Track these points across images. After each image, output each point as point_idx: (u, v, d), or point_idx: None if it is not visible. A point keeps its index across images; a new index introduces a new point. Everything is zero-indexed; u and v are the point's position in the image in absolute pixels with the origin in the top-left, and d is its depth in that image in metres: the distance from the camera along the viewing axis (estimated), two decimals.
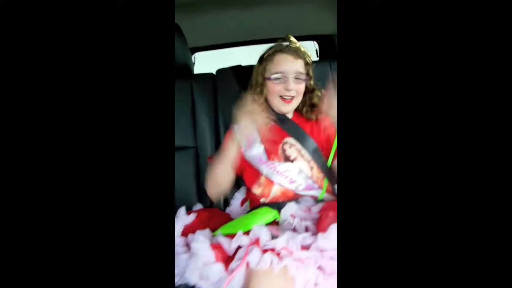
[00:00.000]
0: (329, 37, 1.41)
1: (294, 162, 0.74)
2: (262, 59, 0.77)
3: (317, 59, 1.39)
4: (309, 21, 1.32)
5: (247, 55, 0.86)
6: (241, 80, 0.95)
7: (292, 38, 0.78)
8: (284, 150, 0.75)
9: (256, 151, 0.76)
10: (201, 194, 0.91)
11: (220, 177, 0.74)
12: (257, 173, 0.76)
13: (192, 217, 0.73)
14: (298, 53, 0.74)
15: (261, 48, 0.81)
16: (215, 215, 0.76)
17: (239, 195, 0.86)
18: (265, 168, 0.74)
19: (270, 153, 0.75)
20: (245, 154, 0.76)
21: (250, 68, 0.83)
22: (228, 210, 0.85)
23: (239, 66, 1.00)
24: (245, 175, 0.79)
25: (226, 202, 0.90)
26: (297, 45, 0.76)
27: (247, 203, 0.83)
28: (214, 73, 1.00)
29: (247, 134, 0.75)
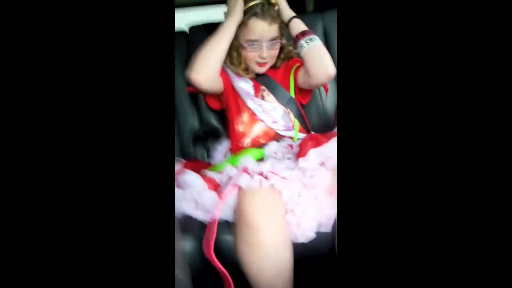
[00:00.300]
0: None
1: (268, 104, 0.77)
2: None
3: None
4: None
5: (218, 15, 0.85)
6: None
7: None
8: (263, 96, 0.79)
9: (245, 85, 0.78)
10: (183, 150, 0.94)
11: (214, 50, 0.71)
12: (241, 108, 0.78)
13: (178, 165, 0.76)
14: (272, 15, 0.72)
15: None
16: (199, 165, 0.80)
17: (220, 147, 0.89)
18: (252, 104, 0.77)
19: (256, 91, 0.78)
20: (234, 83, 0.78)
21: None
22: (209, 161, 0.89)
23: (212, 23, 1.00)
24: (230, 107, 0.80)
25: (208, 153, 0.94)
26: (275, 1, 0.73)
27: (229, 154, 0.87)
28: (187, 31, 1.00)
29: (233, 73, 0.77)
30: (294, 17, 0.75)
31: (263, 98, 0.78)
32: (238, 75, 0.78)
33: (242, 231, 0.54)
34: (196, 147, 0.95)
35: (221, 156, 0.88)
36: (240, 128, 0.79)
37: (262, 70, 0.78)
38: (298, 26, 0.74)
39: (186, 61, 0.94)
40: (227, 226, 0.59)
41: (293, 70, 0.81)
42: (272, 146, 0.71)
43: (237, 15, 0.71)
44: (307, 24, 1.01)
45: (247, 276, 0.55)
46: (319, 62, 0.72)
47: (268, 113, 0.77)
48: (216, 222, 0.57)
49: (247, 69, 0.78)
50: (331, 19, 0.98)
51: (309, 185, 0.58)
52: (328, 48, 0.97)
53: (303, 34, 0.73)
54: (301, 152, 0.62)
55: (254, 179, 0.56)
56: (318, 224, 0.57)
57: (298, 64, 0.80)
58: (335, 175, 0.58)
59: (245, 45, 0.74)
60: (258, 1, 0.71)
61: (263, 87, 0.79)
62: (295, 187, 0.57)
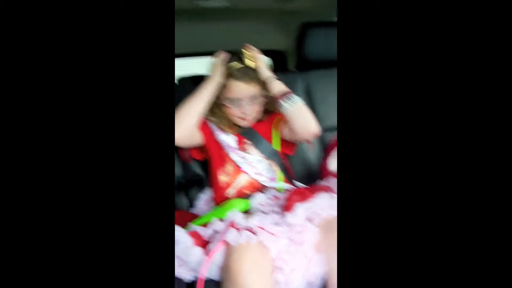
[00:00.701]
0: (281, 53, 1.57)
1: (251, 156, 0.80)
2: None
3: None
4: (264, 38, 1.46)
5: (207, 66, 0.91)
6: None
7: (246, 52, 0.78)
8: (245, 149, 0.81)
9: (227, 137, 0.80)
10: None
11: (191, 108, 0.74)
12: (224, 159, 0.79)
13: None
14: (250, 76, 0.75)
15: None
16: (180, 216, 0.79)
17: (203, 196, 0.88)
18: (235, 156, 0.79)
19: (239, 143, 0.80)
20: (216, 135, 0.80)
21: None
22: (193, 211, 0.87)
23: (200, 76, 1.06)
24: (212, 158, 0.81)
25: (190, 203, 0.92)
26: (251, 61, 0.77)
27: (212, 204, 0.86)
28: (176, 82, 1.05)
29: (215, 128, 0.80)
30: (273, 77, 0.78)
31: (245, 150, 0.81)
32: (221, 128, 0.81)
33: None
34: (178, 195, 0.93)
35: (205, 206, 0.87)
36: (223, 178, 0.80)
37: (246, 124, 0.81)
38: (277, 87, 0.77)
39: (174, 112, 0.98)
40: (213, 285, 0.57)
41: (274, 123, 0.85)
42: (259, 198, 0.72)
43: (216, 78, 0.76)
44: (289, 82, 1.09)
45: None
46: (302, 122, 0.74)
47: (251, 165, 0.79)
48: (203, 283, 0.54)
49: (231, 124, 0.81)
50: (313, 77, 1.08)
51: (296, 241, 0.58)
52: (311, 105, 1.05)
53: (282, 94, 0.75)
54: (287, 206, 0.63)
55: (242, 235, 0.55)
56: (306, 283, 0.56)
57: (278, 117, 0.84)
58: (323, 232, 0.59)
59: (226, 103, 0.78)
60: (235, 64, 0.76)
61: (246, 140, 0.82)
62: (283, 243, 0.56)
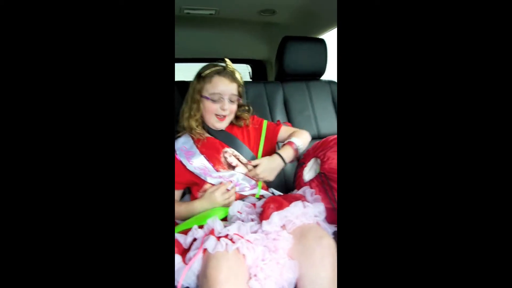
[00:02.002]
0: (260, 62, 1.62)
1: (236, 168, 0.83)
2: (200, 77, 0.84)
3: (250, 80, 1.57)
4: (245, 47, 1.50)
5: (189, 72, 0.93)
6: (185, 94, 1.02)
7: (229, 62, 0.86)
8: (225, 158, 0.84)
9: (199, 162, 0.82)
10: None
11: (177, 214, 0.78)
12: (202, 182, 0.82)
13: None
14: (233, 77, 0.84)
15: (200, 66, 0.88)
16: None
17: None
18: (211, 179, 0.81)
19: (214, 163, 0.82)
20: (188, 167, 0.82)
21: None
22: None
23: (183, 81, 1.07)
24: (191, 187, 0.85)
25: None
26: (233, 68, 0.85)
27: None
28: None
29: (186, 149, 0.83)
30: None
31: (223, 167, 0.83)
32: (190, 153, 0.83)
33: None
34: None
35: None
36: (201, 195, 0.82)
37: (221, 125, 0.84)
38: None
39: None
40: None
41: (264, 126, 0.90)
42: (236, 206, 0.74)
43: (207, 206, 0.77)
44: (270, 91, 1.13)
45: None
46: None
47: (228, 180, 0.81)
48: None
49: (200, 124, 0.85)
50: (290, 89, 1.13)
51: (271, 248, 0.61)
52: (288, 115, 1.10)
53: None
54: (264, 214, 0.66)
55: (221, 243, 0.58)
56: None
57: (267, 121, 0.91)
58: (296, 239, 0.62)
59: (208, 97, 0.82)
60: (220, 65, 0.84)
61: (224, 149, 0.84)
62: (259, 250, 0.59)
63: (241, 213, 0.73)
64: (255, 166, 0.81)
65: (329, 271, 0.58)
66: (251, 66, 1.63)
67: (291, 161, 0.85)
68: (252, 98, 1.07)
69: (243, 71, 1.62)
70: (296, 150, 0.84)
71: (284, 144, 0.84)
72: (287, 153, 0.82)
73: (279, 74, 1.16)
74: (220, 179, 0.81)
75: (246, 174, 0.82)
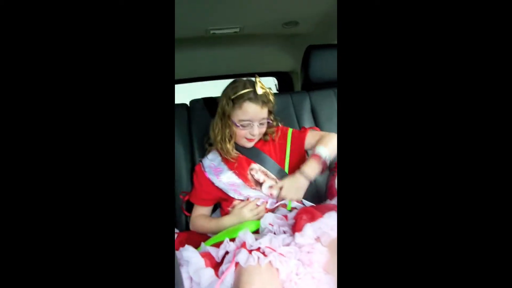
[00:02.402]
0: (286, 74, 1.62)
1: (263, 184, 0.83)
2: (229, 100, 0.81)
3: (276, 92, 1.58)
4: (270, 61, 1.52)
5: (217, 89, 0.96)
6: (212, 110, 1.05)
7: (260, 83, 0.81)
8: (252, 176, 0.84)
9: (228, 179, 0.83)
10: (176, 221, 0.94)
11: (200, 229, 0.83)
12: (231, 198, 0.83)
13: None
14: (265, 102, 0.80)
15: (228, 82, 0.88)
16: (192, 236, 0.81)
17: (216, 216, 0.90)
18: (239, 196, 0.82)
19: (242, 178, 0.83)
20: (216, 183, 0.83)
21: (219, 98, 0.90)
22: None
23: (210, 98, 1.11)
24: (221, 202, 0.86)
25: None
26: (265, 90, 0.80)
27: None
28: (188, 104, 1.09)
29: (214, 166, 0.84)
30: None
31: (252, 177, 0.83)
32: (218, 170, 0.84)
33: None
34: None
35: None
36: (229, 209, 0.83)
37: (250, 144, 0.85)
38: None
39: (187, 132, 1.02)
40: None
41: (289, 136, 0.87)
42: (268, 218, 0.73)
43: (236, 222, 0.78)
44: (296, 101, 1.13)
45: None
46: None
47: (256, 198, 0.81)
48: None
49: (234, 147, 0.84)
50: (317, 97, 1.11)
51: (306, 262, 0.59)
52: (316, 124, 1.08)
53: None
54: (296, 226, 0.64)
55: (253, 256, 0.57)
56: None
57: (292, 129, 0.89)
58: (332, 252, 0.59)
59: (237, 124, 0.81)
60: (251, 89, 0.80)
61: (251, 166, 0.84)
62: (292, 264, 0.57)
63: (272, 225, 0.71)
64: (280, 188, 0.79)
65: None
66: (277, 79, 1.64)
67: (320, 173, 0.81)
68: (279, 109, 1.07)
69: (270, 84, 1.64)
70: (324, 162, 0.80)
71: (310, 157, 0.81)
72: (312, 168, 0.79)
73: (305, 84, 1.15)
74: (246, 197, 0.81)
75: (270, 195, 0.81)
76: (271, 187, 0.81)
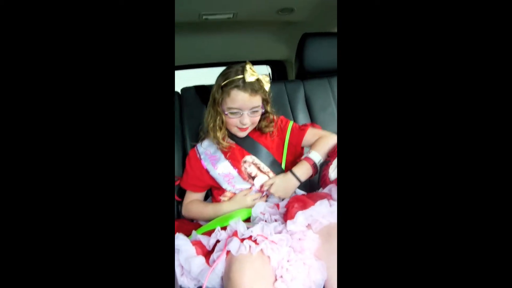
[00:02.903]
0: (281, 62, 1.60)
1: (255, 179, 0.82)
2: (219, 88, 0.79)
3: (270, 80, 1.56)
4: (264, 48, 1.49)
5: (211, 76, 0.93)
6: (204, 98, 1.03)
7: (250, 70, 0.77)
8: (245, 168, 0.82)
9: (224, 169, 0.81)
10: None
11: (196, 214, 0.81)
12: (222, 190, 0.82)
13: None
14: (255, 89, 0.76)
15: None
16: (183, 224, 0.80)
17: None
18: (231, 188, 0.81)
19: (237, 169, 0.81)
20: (211, 173, 0.82)
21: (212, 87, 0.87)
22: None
23: (202, 86, 1.08)
24: (213, 190, 0.85)
25: None
26: (255, 77, 0.77)
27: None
28: (179, 91, 1.07)
29: (210, 154, 0.82)
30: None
31: (245, 170, 0.82)
32: (214, 158, 0.82)
33: None
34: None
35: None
36: (224, 199, 0.82)
37: (243, 134, 0.82)
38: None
39: (179, 120, 1.00)
40: None
41: (289, 130, 0.85)
42: (259, 207, 0.73)
43: (236, 208, 0.78)
44: (290, 90, 1.11)
45: None
46: None
47: (249, 188, 0.81)
48: None
49: (226, 135, 0.82)
50: (312, 86, 1.10)
51: (297, 249, 0.59)
52: (310, 113, 1.07)
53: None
54: (288, 214, 0.64)
55: (244, 245, 0.56)
56: None
57: (292, 122, 0.87)
58: (323, 238, 0.59)
59: (226, 112, 0.79)
60: (240, 76, 0.77)
61: (244, 159, 0.82)
62: (284, 252, 0.57)
63: (264, 214, 0.71)
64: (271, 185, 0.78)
65: None
66: (271, 67, 1.61)
67: (310, 178, 0.80)
68: (273, 98, 1.05)
69: (263, 73, 1.60)
70: (315, 166, 0.79)
71: (303, 159, 0.80)
72: (303, 171, 0.78)
73: (300, 72, 1.13)
74: (239, 191, 0.80)
75: (260, 190, 0.80)
76: (262, 185, 0.81)
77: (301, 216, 0.61)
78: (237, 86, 0.76)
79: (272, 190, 0.78)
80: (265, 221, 0.68)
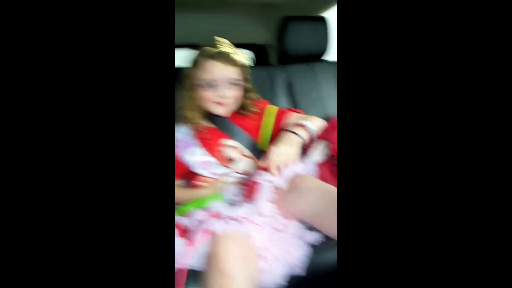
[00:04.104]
0: (262, 47, 1.58)
1: (238, 163, 0.77)
2: (192, 63, 0.76)
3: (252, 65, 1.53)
4: (244, 30, 1.46)
5: (186, 58, 0.89)
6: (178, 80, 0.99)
7: (225, 42, 0.75)
8: (224, 153, 0.78)
9: (200, 157, 0.76)
10: None
11: (178, 198, 0.74)
12: (196, 176, 0.77)
13: None
14: (228, 59, 0.73)
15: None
16: None
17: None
18: (207, 173, 0.76)
19: (215, 156, 0.76)
20: (184, 158, 0.77)
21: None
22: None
23: (176, 68, 1.04)
24: (188, 176, 0.79)
25: None
26: (228, 50, 0.74)
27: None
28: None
29: (185, 140, 0.77)
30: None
31: (224, 154, 0.77)
32: (188, 145, 0.77)
33: (215, 278, 0.52)
34: None
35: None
36: (203, 184, 0.78)
37: (222, 110, 0.76)
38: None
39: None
40: (192, 274, 0.57)
41: (274, 113, 0.81)
42: (231, 190, 0.71)
43: (212, 191, 0.73)
44: (270, 76, 1.09)
45: None
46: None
47: (226, 174, 0.77)
48: (186, 272, 0.54)
49: (201, 118, 0.77)
50: (294, 71, 1.09)
51: (280, 229, 0.59)
52: (292, 99, 1.07)
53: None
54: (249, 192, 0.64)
55: (229, 225, 0.56)
56: (289, 267, 0.57)
57: (277, 108, 0.83)
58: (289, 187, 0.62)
59: (202, 84, 0.74)
60: (214, 48, 0.74)
61: (221, 142, 0.77)
62: (267, 232, 0.58)
63: (236, 196, 0.70)
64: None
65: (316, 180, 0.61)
66: (254, 52, 1.59)
67: (306, 145, 0.74)
68: (254, 83, 1.04)
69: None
70: (311, 134, 0.73)
71: (295, 126, 0.73)
72: (299, 130, 0.71)
73: (281, 57, 1.12)
74: (214, 174, 0.75)
75: (258, 167, 0.70)
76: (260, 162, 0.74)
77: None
78: (210, 56, 0.73)
79: (273, 158, 0.68)
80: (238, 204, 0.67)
